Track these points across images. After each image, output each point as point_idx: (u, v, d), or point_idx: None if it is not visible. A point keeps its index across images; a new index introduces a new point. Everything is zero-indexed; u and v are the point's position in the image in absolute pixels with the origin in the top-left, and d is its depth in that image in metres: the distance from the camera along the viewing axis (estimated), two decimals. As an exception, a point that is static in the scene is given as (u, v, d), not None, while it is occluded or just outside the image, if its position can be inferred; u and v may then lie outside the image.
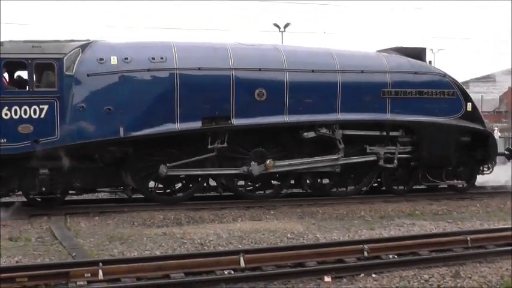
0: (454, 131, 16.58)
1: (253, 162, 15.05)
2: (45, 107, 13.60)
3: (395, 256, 9.91)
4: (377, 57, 16.67)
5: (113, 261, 9.36)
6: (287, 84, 15.15)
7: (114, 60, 14.18)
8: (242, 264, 9.12)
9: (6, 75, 14.35)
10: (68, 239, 11.47)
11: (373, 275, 8.97)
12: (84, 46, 14.20)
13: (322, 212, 14.73)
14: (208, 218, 13.84)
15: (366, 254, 9.75)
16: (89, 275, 8.55)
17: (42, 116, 13.60)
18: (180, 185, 15.65)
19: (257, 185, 16.17)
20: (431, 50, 69.11)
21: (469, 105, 16.90)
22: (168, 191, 15.61)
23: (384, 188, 17.10)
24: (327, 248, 10.11)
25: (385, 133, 16.27)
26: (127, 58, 14.22)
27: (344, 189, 16.67)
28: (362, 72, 15.98)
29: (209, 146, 14.72)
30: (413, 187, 17.27)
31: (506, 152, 18.62)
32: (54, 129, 13.68)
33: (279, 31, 48.40)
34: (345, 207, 15.18)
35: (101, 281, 8.48)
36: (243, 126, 14.89)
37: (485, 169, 17.61)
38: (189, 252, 10.32)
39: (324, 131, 15.57)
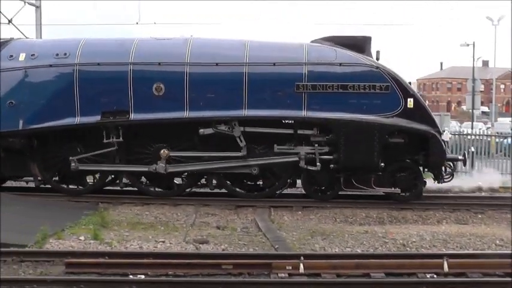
0: (379, 130, 14.15)
1: (159, 162, 14.47)
2: None
3: None
4: (296, 48, 14.88)
5: (314, 255, 9.46)
6: (187, 79, 14.38)
7: (22, 56, 14.88)
8: (446, 268, 8.74)
9: None
10: (271, 231, 11.79)
11: None
12: (0, 44, 15.12)
13: (537, 219, 13.70)
14: (411, 219, 13.49)
15: None
16: (290, 267, 8.70)
17: None
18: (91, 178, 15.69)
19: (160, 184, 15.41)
20: None
21: (410, 101, 14.32)
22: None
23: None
24: (540, 259, 9.37)
25: (292, 131, 14.53)
26: (33, 54, 14.85)
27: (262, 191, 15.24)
28: (274, 64, 14.44)
29: (104, 141, 14.56)
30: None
31: (460, 157, 15.64)
32: None
33: (492, 24, 46.05)
34: None
35: (301, 275, 8.59)
36: (140, 121, 14.54)
37: (445, 176, 14.98)
38: (391, 252, 10.13)
39: (222, 127, 14.46)
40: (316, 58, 14.56)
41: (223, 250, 10.29)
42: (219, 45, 15.23)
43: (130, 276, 8.53)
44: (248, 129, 14.50)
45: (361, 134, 14.14)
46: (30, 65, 14.85)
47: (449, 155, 15.11)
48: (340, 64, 14.44)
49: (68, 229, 11.65)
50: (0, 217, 11.36)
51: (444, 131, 15.23)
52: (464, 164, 16.40)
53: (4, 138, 14.77)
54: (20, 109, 14.73)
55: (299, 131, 14.53)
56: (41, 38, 23.47)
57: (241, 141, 14.42)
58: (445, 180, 15.12)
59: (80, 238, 10.91)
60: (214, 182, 15.08)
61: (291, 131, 14.61)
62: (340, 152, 14.21)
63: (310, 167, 14.36)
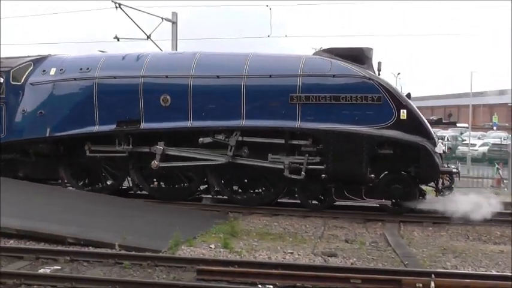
0: (368, 141, 14.09)
1: (159, 144, 15.54)
2: None
3: None
4: (294, 60, 15.17)
5: (446, 274, 9.17)
6: (190, 90, 15.25)
7: (52, 71, 16.61)
8: None
9: None
10: (400, 247, 11.56)
11: None
12: (37, 60, 17.08)
13: None
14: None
15: None
16: (421, 285, 8.47)
17: None
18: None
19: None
20: None
21: (403, 112, 14.11)
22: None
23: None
24: None
25: (283, 141, 14.85)
26: (62, 69, 16.52)
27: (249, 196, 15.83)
28: (270, 76, 14.88)
29: (117, 148, 15.82)
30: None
31: (454, 170, 14.84)
32: (2, 128, 16.73)
33: None
34: None
35: (432, 293, 8.36)
36: (149, 129, 15.63)
37: (445, 190, 14.66)
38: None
39: (220, 137, 15.03)
40: (311, 70, 14.80)
41: (351, 264, 10.20)
42: (222, 59, 16.01)
43: (259, 286, 8.66)
44: (246, 138, 15.07)
45: (349, 145, 14.24)
46: (58, 78, 16.49)
47: (442, 168, 14.60)
48: (334, 75, 14.58)
49: (199, 237, 12.00)
50: (0, 202, 12.49)
51: (438, 143, 14.69)
52: (458, 178, 15.46)
53: (35, 144, 16.60)
54: (48, 118, 16.43)
55: (293, 141, 14.92)
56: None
57: (230, 150, 15.06)
58: (446, 193, 14.78)
59: (211, 246, 11.20)
60: (215, 188, 15.85)
61: (276, 141, 14.98)
62: (329, 162, 14.38)
63: (294, 176, 14.64)
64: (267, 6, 24.05)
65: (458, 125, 52.35)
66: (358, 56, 14.88)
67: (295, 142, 14.92)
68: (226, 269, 9.13)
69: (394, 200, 14.74)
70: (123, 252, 10.42)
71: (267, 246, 11.41)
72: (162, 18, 24.74)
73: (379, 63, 14.99)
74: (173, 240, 10.80)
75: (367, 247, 11.62)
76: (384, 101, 14.25)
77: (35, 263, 9.90)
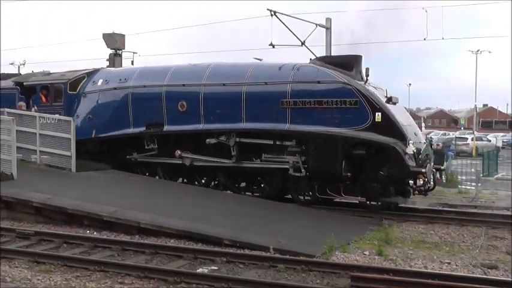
0: (342, 142, 15.24)
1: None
2: (57, 115, 19.03)
3: None
4: (287, 68, 16.58)
5: None
6: (201, 97, 17.32)
7: (99, 82, 19.68)
8: None
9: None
10: None
11: None
12: (90, 73, 20.31)
13: None
14: None
15: None
16: None
17: None
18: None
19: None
20: None
21: (378, 115, 15.05)
22: None
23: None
24: None
25: (272, 142, 16.55)
26: (107, 80, 19.51)
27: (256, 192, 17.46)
28: (265, 83, 16.49)
29: (146, 147, 18.60)
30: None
31: (423, 170, 15.02)
32: None
33: None
34: None
35: None
36: (170, 131, 18.06)
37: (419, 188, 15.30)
38: None
39: (222, 138, 17.03)
40: (300, 77, 16.19)
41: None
42: (229, 69, 17.75)
43: (415, 296, 8.43)
44: (242, 139, 16.94)
45: (325, 145, 15.44)
46: (103, 88, 19.46)
47: (413, 168, 14.92)
48: (318, 82, 15.91)
49: (353, 243, 11.94)
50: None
51: (409, 145, 14.95)
52: (427, 180, 15.42)
53: (84, 144, 19.26)
54: (94, 122, 19.41)
55: (280, 142, 16.48)
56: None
57: (233, 150, 17.02)
58: (424, 192, 15.50)
59: (365, 253, 11.11)
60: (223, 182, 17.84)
61: (266, 141, 16.69)
62: (308, 161, 15.74)
63: (296, 174, 16.11)
64: (422, 8, 23.52)
65: None
66: (346, 64, 16.03)
67: (281, 143, 16.51)
68: (381, 276, 8.99)
69: (370, 198, 15.61)
70: (277, 255, 10.56)
71: (423, 255, 11.13)
72: (316, 25, 24.92)
73: (367, 69, 16.02)
74: (327, 245, 10.81)
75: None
76: (360, 104, 15.35)
77: (194, 262, 10.32)
